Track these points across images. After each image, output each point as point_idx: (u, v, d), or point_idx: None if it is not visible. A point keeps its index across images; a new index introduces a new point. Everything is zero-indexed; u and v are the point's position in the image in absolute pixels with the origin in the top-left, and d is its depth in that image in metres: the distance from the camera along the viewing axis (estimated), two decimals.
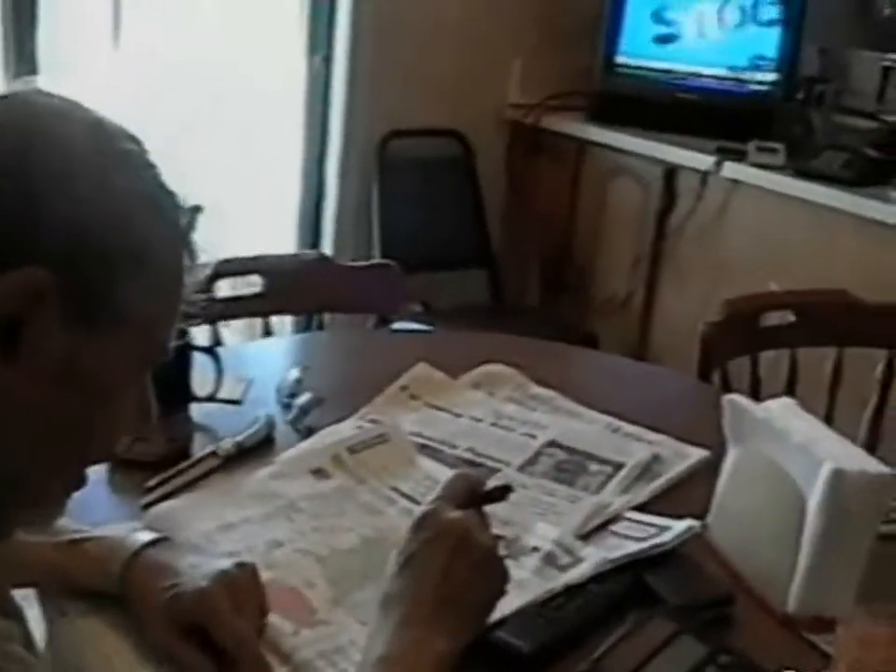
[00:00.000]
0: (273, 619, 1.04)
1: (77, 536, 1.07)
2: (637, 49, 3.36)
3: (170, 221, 0.76)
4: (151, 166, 0.76)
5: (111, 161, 0.72)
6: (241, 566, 1.05)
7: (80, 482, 0.78)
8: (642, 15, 3.34)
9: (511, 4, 3.45)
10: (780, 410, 1.26)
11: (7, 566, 0.80)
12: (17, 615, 0.75)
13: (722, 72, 3.31)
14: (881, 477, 1.12)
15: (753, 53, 3.27)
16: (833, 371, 2.05)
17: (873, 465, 1.13)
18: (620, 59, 3.37)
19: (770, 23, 3.25)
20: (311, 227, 3.48)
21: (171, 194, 0.77)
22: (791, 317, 2.05)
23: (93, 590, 1.06)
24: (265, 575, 1.07)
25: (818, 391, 2.03)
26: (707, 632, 1.05)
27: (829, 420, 1.94)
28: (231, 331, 2.37)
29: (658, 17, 3.33)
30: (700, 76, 3.33)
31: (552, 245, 3.58)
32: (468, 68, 3.43)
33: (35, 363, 0.69)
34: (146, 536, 1.07)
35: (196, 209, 0.82)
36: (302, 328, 2.76)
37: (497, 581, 0.99)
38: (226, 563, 1.04)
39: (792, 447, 1.16)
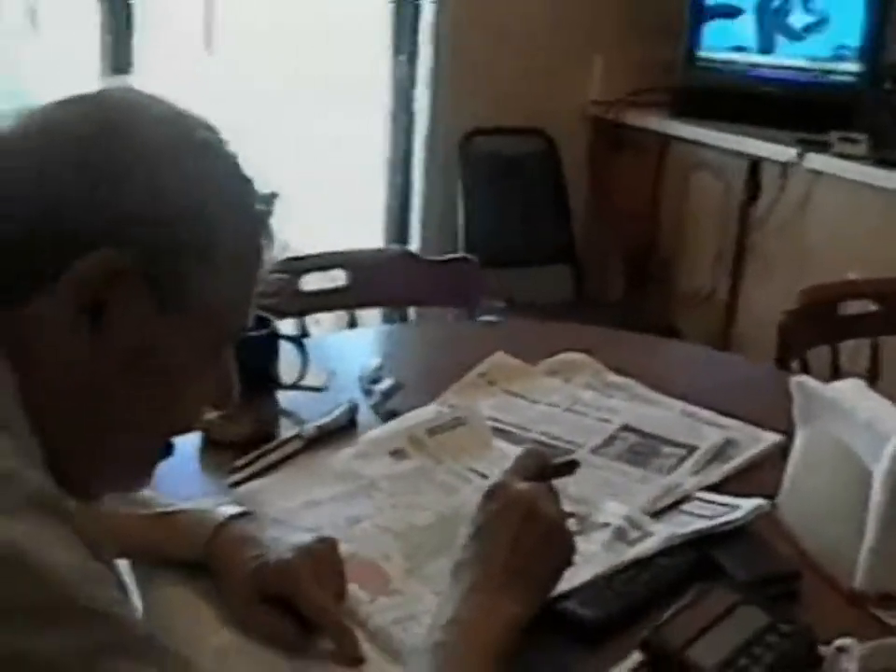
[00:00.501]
0: (351, 588, 1.08)
1: (165, 509, 1.12)
2: (718, 43, 3.35)
3: (245, 208, 0.81)
4: (229, 155, 0.81)
5: (188, 150, 0.77)
6: (322, 540, 1.09)
7: (166, 450, 0.84)
8: (724, 8, 3.33)
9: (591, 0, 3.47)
10: (849, 390, 1.27)
11: (97, 525, 0.85)
12: (110, 564, 0.80)
13: (804, 63, 3.29)
14: None
15: (836, 44, 3.24)
16: None
17: None
18: (701, 53, 3.36)
19: (853, 13, 3.21)
20: (397, 224, 3.54)
21: (248, 182, 0.81)
22: (871, 307, 2.04)
23: (181, 560, 1.11)
24: (345, 548, 1.11)
25: None
26: (772, 605, 1.06)
27: None
28: (321, 326, 2.43)
29: (740, 10, 3.32)
30: (782, 67, 3.31)
31: (635, 240, 3.58)
32: (549, 65, 3.46)
33: (116, 338, 0.74)
34: (231, 509, 1.12)
35: (273, 195, 0.87)
36: (389, 321, 2.81)
37: (564, 552, 1.02)
38: (308, 537, 1.09)
39: (859, 424, 1.17)
